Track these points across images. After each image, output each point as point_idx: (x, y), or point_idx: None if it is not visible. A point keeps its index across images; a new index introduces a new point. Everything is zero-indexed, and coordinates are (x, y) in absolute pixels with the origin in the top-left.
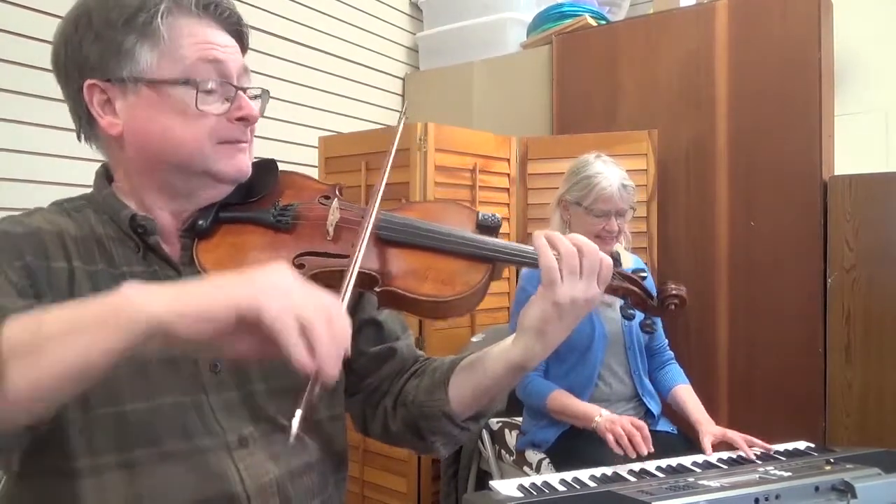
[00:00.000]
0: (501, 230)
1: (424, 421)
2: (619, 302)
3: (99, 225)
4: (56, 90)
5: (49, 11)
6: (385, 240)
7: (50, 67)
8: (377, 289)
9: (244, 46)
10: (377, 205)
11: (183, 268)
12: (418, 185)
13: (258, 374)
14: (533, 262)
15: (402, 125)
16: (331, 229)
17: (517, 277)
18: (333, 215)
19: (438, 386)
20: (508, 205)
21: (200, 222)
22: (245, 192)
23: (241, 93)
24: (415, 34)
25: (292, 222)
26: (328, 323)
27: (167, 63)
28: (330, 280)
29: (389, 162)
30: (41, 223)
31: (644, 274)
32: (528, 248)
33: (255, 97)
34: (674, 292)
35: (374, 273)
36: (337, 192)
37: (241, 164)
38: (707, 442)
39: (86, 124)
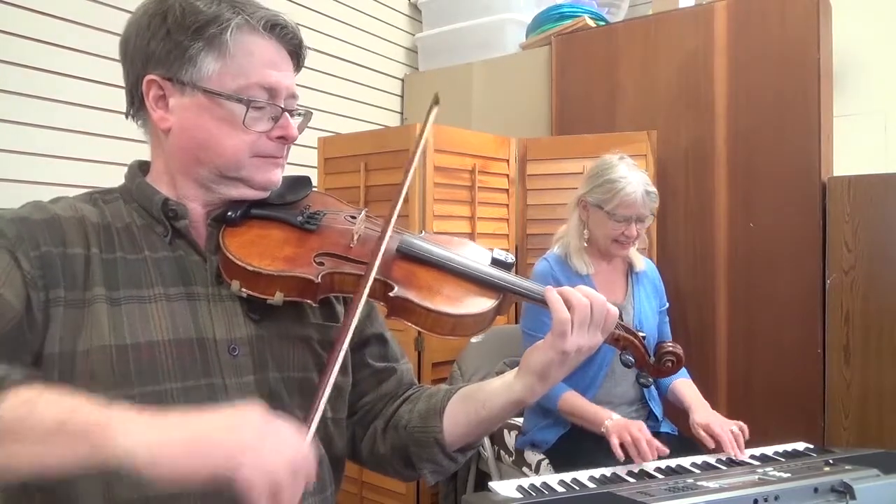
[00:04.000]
0: (500, 231)
1: (415, 447)
2: (619, 352)
3: (127, 215)
4: (54, 91)
5: (48, 12)
6: (404, 254)
7: (48, 68)
8: (391, 294)
9: (299, 65)
10: (395, 215)
11: (208, 255)
12: (417, 186)
13: (274, 364)
14: (540, 301)
15: (420, 148)
16: (356, 238)
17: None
18: (360, 225)
19: (434, 413)
20: (507, 206)
21: (230, 213)
22: (278, 197)
23: (286, 114)
24: (414, 35)
25: (319, 225)
26: (295, 479)
27: (227, 76)
28: (344, 283)
29: (406, 182)
30: (62, 210)
31: (643, 334)
32: (539, 287)
33: (299, 115)
34: (670, 349)
35: (389, 281)
36: (363, 214)
37: (273, 176)
38: (699, 432)
39: (138, 108)
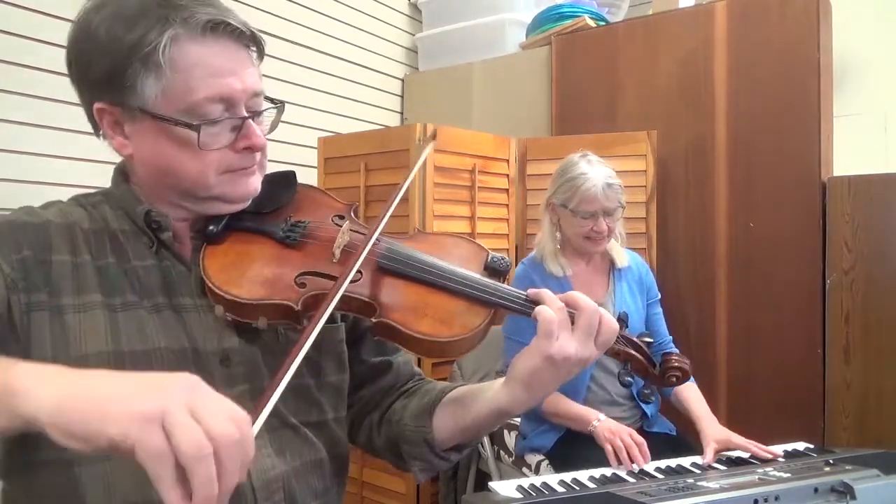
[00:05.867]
0: (500, 230)
1: (406, 444)
2: (617, 364)
3: (114, 220)
4: (53, 91)
5: (48, 12)
6: (387, 270)
7: (47, 68)
8: (373, 319)
9: (260, 54)
10: (375, 235)
11: (194, 266)
12: (417, 186)
13: (268, 372)
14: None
15: (415, 171)
16: (337, 252)
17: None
18: (342, 238)
19: (424, 413)
20: (507, 205)
21: (211, 227)
22: (261, 202)
23: (249, 121)
24: (414, 35)
25: (300, 240)
26: (217, 461)
27: (172, 98)
28: (327, 303)
29: (396, 198)
30: (53, 216)
31: (649, 340)
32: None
33: (268, 109)
34: (676, 364)
35: (372, 302)
36: (352, 213)
37: (247, 188)
38: (710, 451)
39: (100, 131)
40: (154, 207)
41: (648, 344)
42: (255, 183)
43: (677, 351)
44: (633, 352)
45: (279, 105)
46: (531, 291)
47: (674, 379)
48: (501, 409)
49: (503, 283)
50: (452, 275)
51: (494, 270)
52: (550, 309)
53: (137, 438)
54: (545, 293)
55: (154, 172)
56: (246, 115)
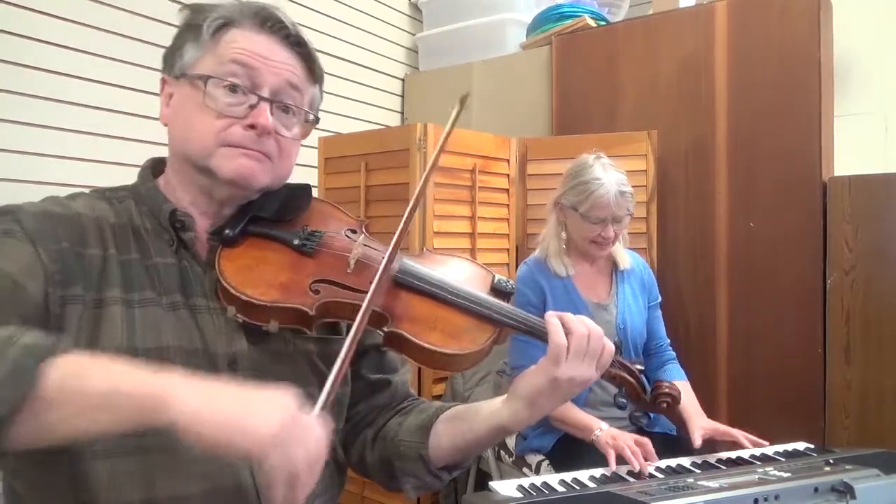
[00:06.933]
0: (500, 231)
1: (399, 460)
2: (614, 393)
3: (138, 216)
4: (53, 91)
5: (48, 12)
6: (401, 284)
7: (47, 68)
8: (385, 328)
9: (312, 72)
10: (393, 247)
11: (209, 269)
12: (417, 186)
13: (274, 379)
14: (538, 333)
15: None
16: (352, 262)
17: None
18: (357, 250)
19: (420, 429)
20: (508, 205)
21: (227, 231)
22: (277, 210)
23: (263, 104)
24: (414, 35)
25: (316, 248)
26: (311, 472)
27: (205, 61)
28: (340, 311)
29: (406, 214)
30: (82, 209)
31: (641, 367)
32: (536, 318)
33: (307, 121)
34: (667, 391)
35: (384, 312)
36: (363, 228)
37: (241, 168)
38: (697, 435)
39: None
40: (179, 207)
41: (641, 371)
42: (250, 167)
43: (667, 382)
44: (628, 376)
45: (314, 118)
46: (550, 314)
47: (664, 405)
48: (502, 425)
49: (507, 303)
50: (463, 293)
51: (500, 292)
52: (564, 335)
53: (270, 455)
54: (564, 318)
55: (173, 136)
56: (265, 96)
